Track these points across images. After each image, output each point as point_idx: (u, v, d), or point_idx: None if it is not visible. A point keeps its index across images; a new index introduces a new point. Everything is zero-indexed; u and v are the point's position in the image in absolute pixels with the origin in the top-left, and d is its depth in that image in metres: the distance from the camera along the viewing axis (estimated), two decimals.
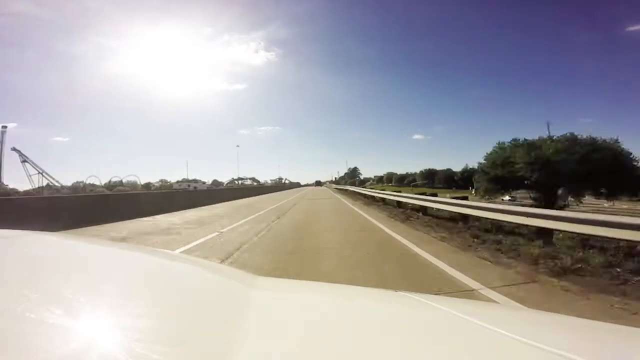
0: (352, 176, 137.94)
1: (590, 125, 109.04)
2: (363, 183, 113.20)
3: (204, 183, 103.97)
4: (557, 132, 17.70)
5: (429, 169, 66.33)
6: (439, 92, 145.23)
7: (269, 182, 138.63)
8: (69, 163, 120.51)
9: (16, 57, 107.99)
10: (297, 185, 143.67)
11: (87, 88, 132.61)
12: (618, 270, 3.45)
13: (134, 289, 0.61)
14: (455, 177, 58.32)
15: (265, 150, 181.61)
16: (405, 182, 71.59)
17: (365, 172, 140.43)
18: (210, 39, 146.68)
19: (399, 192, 14.81)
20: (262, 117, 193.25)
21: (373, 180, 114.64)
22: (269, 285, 0.85)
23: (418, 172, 70.37)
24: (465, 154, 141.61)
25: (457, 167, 61.83)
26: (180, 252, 4.64)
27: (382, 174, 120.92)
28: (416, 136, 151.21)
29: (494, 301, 2.81)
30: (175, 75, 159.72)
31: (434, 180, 62.06)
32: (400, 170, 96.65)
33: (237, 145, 71.24)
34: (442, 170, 65.97)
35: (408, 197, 11.12)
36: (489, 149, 18.08)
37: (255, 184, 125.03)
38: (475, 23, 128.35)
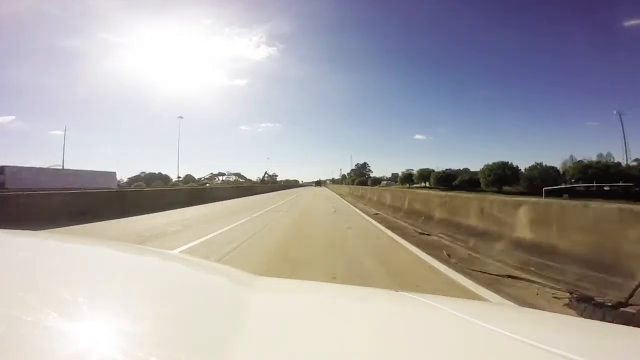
0: (361, 174, 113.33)
1: (595, 128, 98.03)
2: (376, 183, 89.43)
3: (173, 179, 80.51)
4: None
5: (502, 162, 41.40)
6: (443, 92, 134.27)
7: (261, 179, 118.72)
8: (67, 157, 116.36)
9: (15, 51, 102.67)
10: (295, 184, 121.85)
11: (86, 82, 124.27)
12: None
13: (132, 290, 0.61)
14: (570, 179, 33.38)
15: (265, 147, 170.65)
16: (457, 182, 47.11)
17: (374, 170, 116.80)
18: (210, 32, 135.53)
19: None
20: (263, 113, 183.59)
21: (395, 180, 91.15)
22: (268, 285, 0.85)
23: (481, 168, 45.26)
24: (472, 154, 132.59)
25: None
26: (180, 252, 4.15)
27: (399, 172, 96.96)
28: (418, 136, 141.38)
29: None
30: (174, 70, 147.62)
31: (516, 180, 37.94)
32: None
33: (180, 117, 45.47)
34: (511, 166, 41.66)
35: None
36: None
37: (241, 180, 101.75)
38: (479, 23, 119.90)
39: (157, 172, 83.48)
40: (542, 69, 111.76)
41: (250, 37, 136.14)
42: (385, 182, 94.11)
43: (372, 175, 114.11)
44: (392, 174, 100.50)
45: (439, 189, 43.47)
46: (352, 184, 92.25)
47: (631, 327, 0.61)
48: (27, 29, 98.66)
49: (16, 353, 0.34)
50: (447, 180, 49.68)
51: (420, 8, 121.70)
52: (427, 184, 58.43)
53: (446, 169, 55.56)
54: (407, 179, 70.00)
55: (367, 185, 67.71)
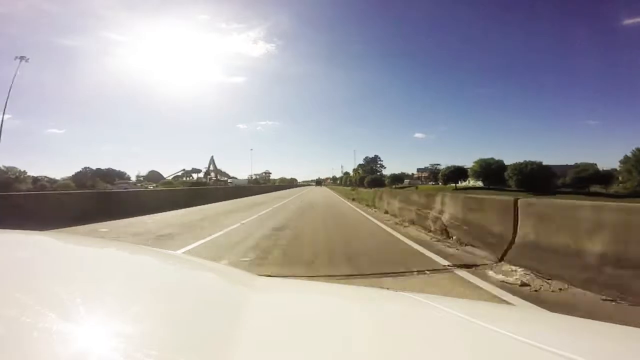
0: (371, 170, 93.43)
1: (595, 127, 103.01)
2: (397, 181, 69.94)
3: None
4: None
5: None
6: (443, 90, 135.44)
7: (254, 178, 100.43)
8: (64, 156, 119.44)
9: (11, 49, 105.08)
10: (291, 184, 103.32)
11: (82, 80, 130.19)
12: None
13: (132, 290, 0.61)
14: None
15: (263, 145, 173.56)
16: (567, 181, 27.87)
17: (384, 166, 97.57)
18: (207, 27, 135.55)
19: None
20: (261, 111, 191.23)
21: (418, 178, 71.85)
22: (268, 285, 0.85)
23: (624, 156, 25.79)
24: (472, 152, 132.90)
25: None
26: (182, 252, 4.00)
27: (398, 170, 77.42)
28: (418, 134, 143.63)
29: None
30: (171, 67, 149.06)
31: None
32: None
33: (22, 57, 25.65)
34: None
35: None
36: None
37: (225, 179, 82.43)
38: (478, 22, 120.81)
39: (105, 168, 64.33)
40: (542, 67, 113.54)
41: (247, 33, 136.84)
42: (407, 181, 74.74)
43: (384, 172, 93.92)
44: (418, 169, 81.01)
45: (530, 194, 24.06)
46: (360, 185, 71.68)
47: (631, 327, 0.63)
48: (21, 27, 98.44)
49: (16, 354, 0.34)
50: (536, 178, 30.21)
51: (422, 6, 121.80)
52: (481, 183, 38.89)
53: (529, 161, 35.37)
54: (455, 175, 48.47)
55: (385, 186, 47.95)
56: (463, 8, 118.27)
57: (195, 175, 75.29)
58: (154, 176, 70.75)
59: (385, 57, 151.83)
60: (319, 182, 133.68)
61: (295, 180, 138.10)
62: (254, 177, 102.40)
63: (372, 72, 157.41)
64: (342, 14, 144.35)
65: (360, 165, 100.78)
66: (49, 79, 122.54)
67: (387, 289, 0.82)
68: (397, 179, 71.77)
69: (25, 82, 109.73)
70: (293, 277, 2.46)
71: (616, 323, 0.63)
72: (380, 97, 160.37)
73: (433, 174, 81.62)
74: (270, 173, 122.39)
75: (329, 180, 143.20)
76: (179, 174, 73.99)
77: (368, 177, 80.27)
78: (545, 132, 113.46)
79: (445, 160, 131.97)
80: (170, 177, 72.30)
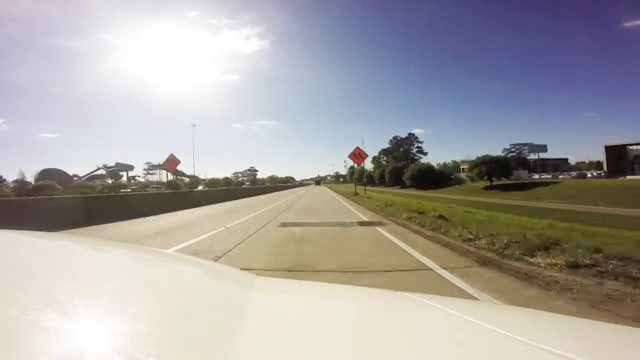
0: (405, 154, 64.01)
1: (594, 119, 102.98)
2: (501, 173, 40.91)
3: None
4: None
5: None
6: (443, 86, 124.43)
7: (244, 179, 78.73)
8: (59, 159, 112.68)
9: (3, 53, 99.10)
10: (286, 184, 77.67)
11: (74, 82, 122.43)
12: None
13: (132, 290, 0.60)
14: None
15: (264, 145, 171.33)
16: None
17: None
18: (196, 24, 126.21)
19: None
20: (257, 110, 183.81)
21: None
22: (267, 285, 0.85)
23: None
24: (471, 148, 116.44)
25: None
26: (176, 252, 4.36)
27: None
28: (416, 130, 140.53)
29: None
30: (163, 67, 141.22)
31: None
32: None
33: None
34: None
35: None
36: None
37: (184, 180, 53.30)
38: (477, 20, 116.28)
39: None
40: (540, 62, 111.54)
41: (239, 29, 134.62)
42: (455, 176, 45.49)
43: (420, 159, 63.87)
44: (483, 155, 51.68)
45: None
46: (396, 181, 43.69)
47: (631, 327, 0.63)
48: (12, 30, 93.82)
49: (16, 353, 0.34)
50: None
51: (421, 3, 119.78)
52: None
53: None
54: None
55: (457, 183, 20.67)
56: (462, 6, 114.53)
57: (125, 175, 45.23)
58: (51, 177, 37.07)
59: (384, 53, 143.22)
60: (318, 182, 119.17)
61: (293, 179, 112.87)
62: (245, 177, 74.66)
63: (369, 68, 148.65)
64: (336, 8, 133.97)
65: (383, 150, 70.84)
66: (43, 83, 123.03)
67: (386, 289, 0.89)
68: (499, 164, 35.67)
69: (18, 85, 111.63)
70: (293, 279, 2.49)
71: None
72: (379, 93, 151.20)
73: (520, 160, 53.08)
74: (256, 171, 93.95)
75: (329, 177, 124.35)
76: (99, 172, 44.09)
77: (410, 168, 50.63)
78: (544, 127, 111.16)
79: (444, 156, 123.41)
80: (84, 178, 42.37)
